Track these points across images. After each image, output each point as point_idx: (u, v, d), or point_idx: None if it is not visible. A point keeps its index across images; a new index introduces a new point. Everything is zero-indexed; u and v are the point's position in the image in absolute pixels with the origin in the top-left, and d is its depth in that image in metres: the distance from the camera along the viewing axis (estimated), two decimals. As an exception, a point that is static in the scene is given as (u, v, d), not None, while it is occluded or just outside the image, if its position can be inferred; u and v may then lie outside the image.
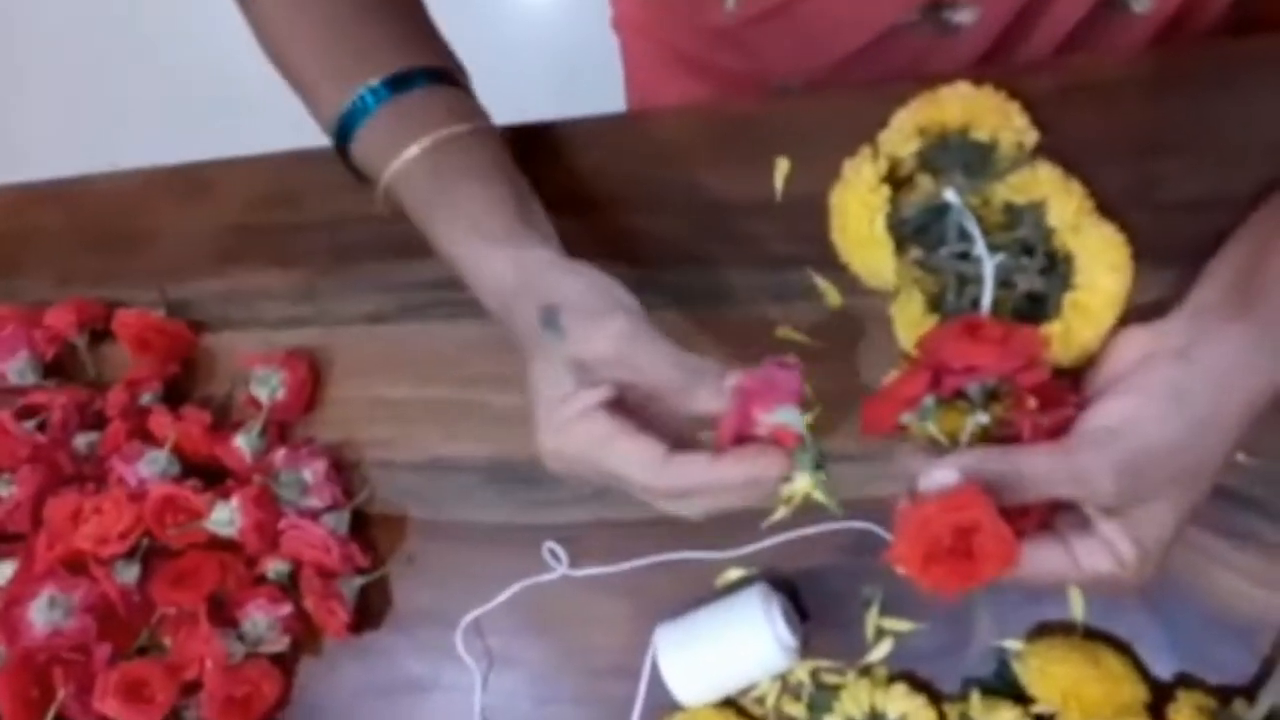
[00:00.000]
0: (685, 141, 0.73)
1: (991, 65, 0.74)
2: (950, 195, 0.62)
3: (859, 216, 0.63)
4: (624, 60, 0.94)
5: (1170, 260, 0.61)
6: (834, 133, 0.68)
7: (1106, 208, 0.63)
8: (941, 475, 0.50)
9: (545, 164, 0.76)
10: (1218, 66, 0.66)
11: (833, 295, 0.68)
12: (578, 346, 0.53)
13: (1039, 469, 0.50)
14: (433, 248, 0.61)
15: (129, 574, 0.73)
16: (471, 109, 0.65)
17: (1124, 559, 0.50)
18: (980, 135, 0.64)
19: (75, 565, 0.73)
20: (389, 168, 0.61)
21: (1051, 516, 0.54)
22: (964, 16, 0.71)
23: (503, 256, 0.56)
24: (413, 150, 0.60)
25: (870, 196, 0.63)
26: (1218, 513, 0.62)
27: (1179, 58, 0.68)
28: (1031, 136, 0.64)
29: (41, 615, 0.71)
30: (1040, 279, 0.61)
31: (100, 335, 0.82)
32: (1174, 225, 0.63)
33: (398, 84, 0.62)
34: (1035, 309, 0.61)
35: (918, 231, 0.64)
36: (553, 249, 0.58)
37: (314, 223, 0.80)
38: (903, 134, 0.65)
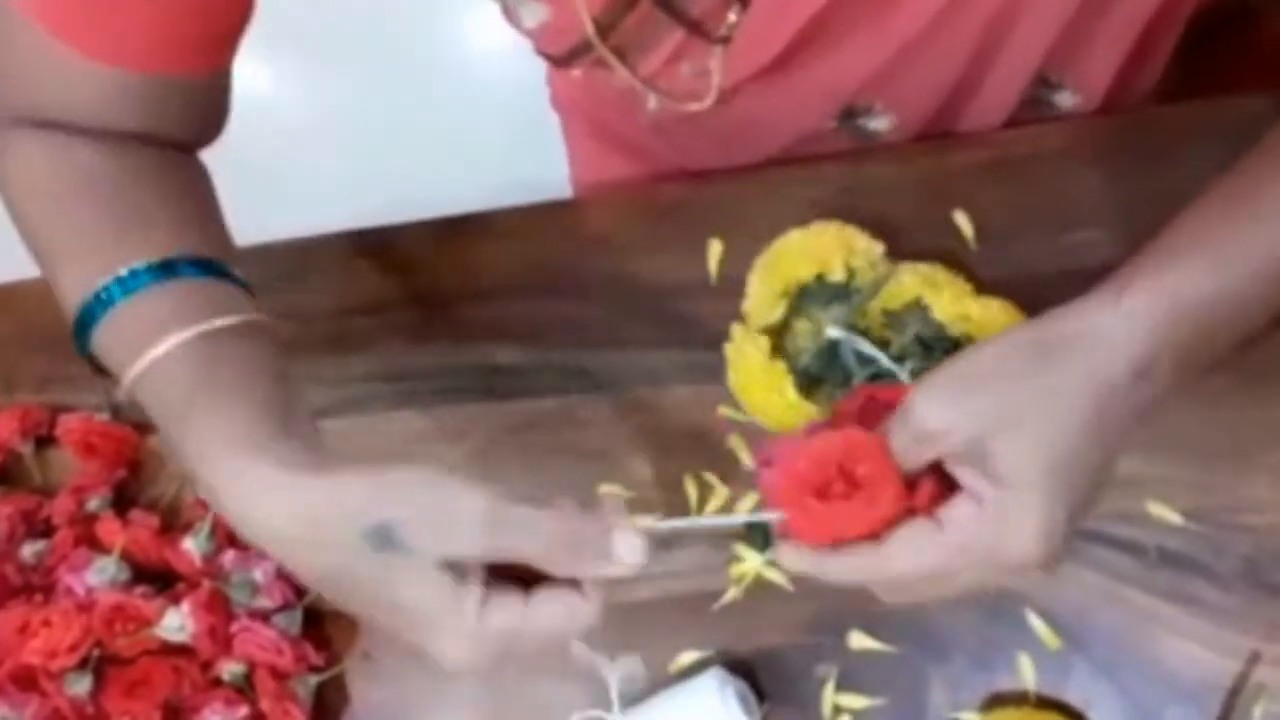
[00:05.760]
0: (618, 227, 0.74)
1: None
2: (834, 332, 0.64)
3: (765, 392, 0.64)
4: (565, 138, 0.94)
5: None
6: (765, 213, 0.69)
7: (1028, 279, 0.64)
8: None
9: (478, 253, 0.77)
10: (1138, 137, 0.67)
11: (772, 373, 0.69)
12: (439, 552, 0.46)
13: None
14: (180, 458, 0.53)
15: (81, 686, 0.71)
16: (238, 303, 0.57)
17: (980, 494, 0.47)
18: (835, 275, 0.65)
19: (25, 680, 0.72)
20: (131, 370, 0.53)
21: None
22: (879, 124, 0.72)
23: (287, 485, 0.48)
24: (159, 349, 0.53)
25: (769, 375, 0.64)
26: (1166, 578, 0.62)
27: (1096, 129, 0.69)
28: (877, 250, 0.66)
29: (-8, 734, 0.70)
30: None
31: (45, 441, 0.82)
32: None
33: (154, 273, 0.56)
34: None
35: (822, 373, 0.65)
36: (316, 455, 0.51)
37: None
38: (766, 304, 0.66)
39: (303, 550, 0.49)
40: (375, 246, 0.72)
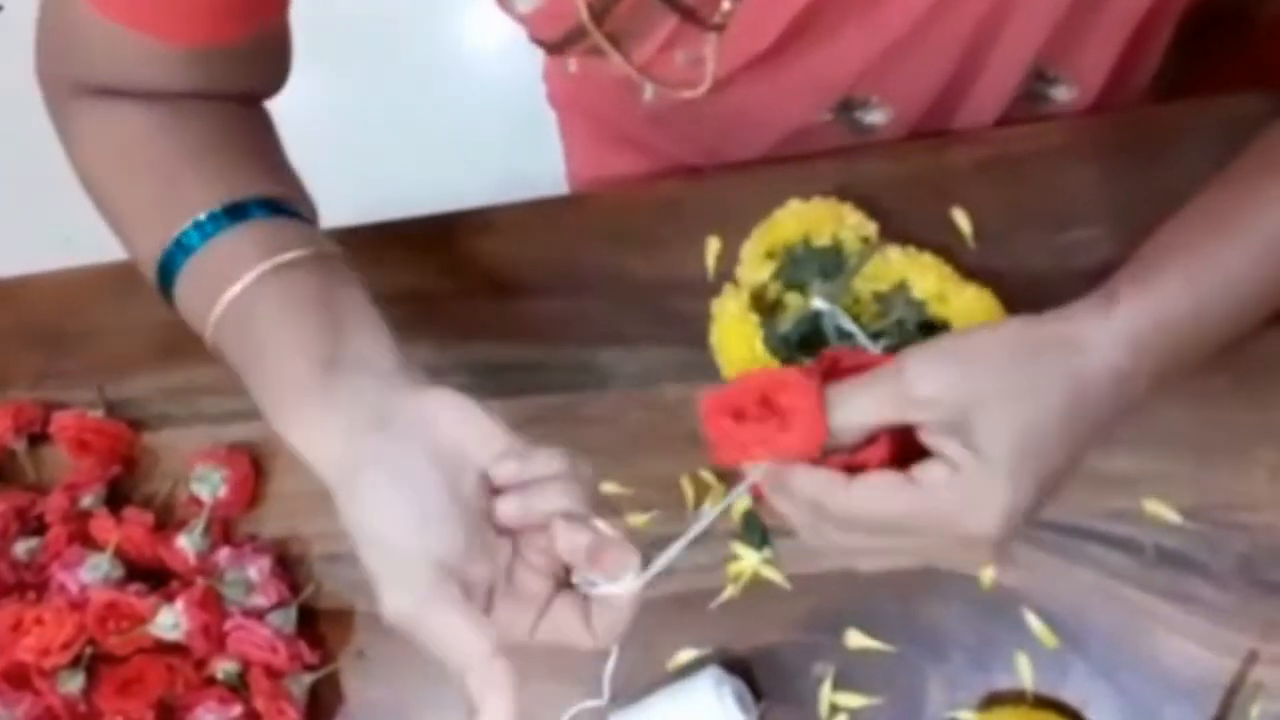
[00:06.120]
0: (616, 223, 0.74)
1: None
2: (818, 302, 0.64)
3: (738, 347, 0.65)
4: (561, 135, 0.94)
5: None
6: (762, 210, 0.68)
7: (1024, 276, 0.64)
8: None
9: (476, 249, 0.77)
10: (1133, 134, 0.67)
11: (769, 370, 0.69)
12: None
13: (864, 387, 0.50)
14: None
15: (73, 684, 0.71)
16: (301, 237, 0.56)
17: (956, 461, 0.48)
18: (822, 240, 0.66)
19: (18, 678, 0.71)
20: (208, 323, 0.54)
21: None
22: (875, 117, 0.72)
23: (326, 441, 0.50)
24: (222, 304, 0.53)
25: (742, 325, 0.65)
26: (1163, 577, 0.62)
27: (1093, 128, 0.69)
28: (870, 228, 0.67)
29: (-16, 732, 0.70)
30: None
31: (39, 437, 0.81)
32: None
33: (223, 218, 0.55)
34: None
35: (802, 344, 0.65)
36: (369, 393, 0.50)
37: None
38: (753, 262, 0.67)
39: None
40: (373, 242, 0.71)
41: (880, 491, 0.49)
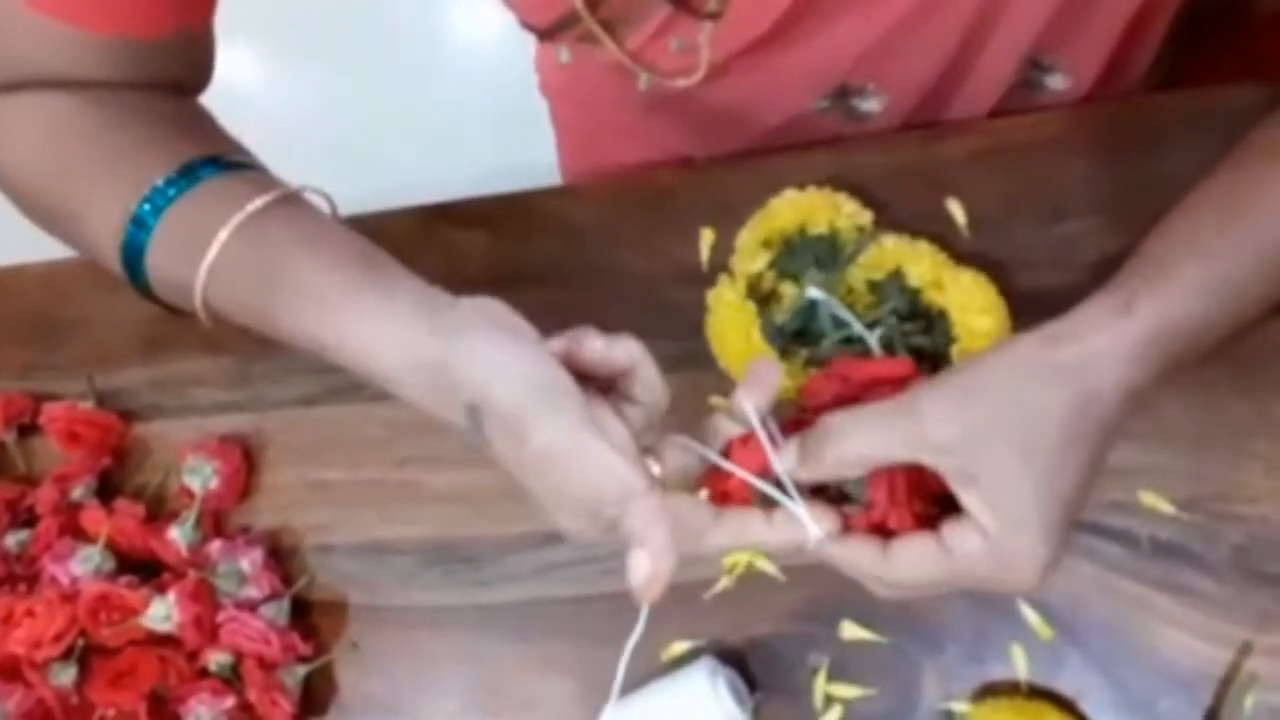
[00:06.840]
0: (608, 215, 0.74)
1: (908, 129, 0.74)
2: (813, 291, 0.64)
3: (735, 337, 0.65)
4: (553, 125, 0.94)
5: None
6: (757, 200, 0.68)
7: (1020, 268, 0.64)
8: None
9: (466, 240, 0.76)
10: (1129, 125, 0.67)
11: (763, 362, 0.69)
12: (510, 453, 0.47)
13: (878, 423, 0.50)
14: (280, 335, 0.53)
15: (65, 676, 0.71)
16: (271, 183, 0.56)
17: (986, 529, 0.48)
18: (818, 229, 0.66)
19: (9, 671, 0.71)
20: (199, 269, 0.52)
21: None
22: (871, 104, 0.72)
23: (401, 336, 0.49)
24: (221, 236, 0.52)
25: (739, 315, 0.65)
26: (1158, 568, 0.62)
27: (1089, 118, 0.69)
28: (866, 216, 0.67)
29: (-25, 725, 0.69)
30: (925, 339, 0.63)
31: (29, 429, 0.81)
32: (1088, 285, 0.63)
33: (176, 183, 0.54)
34: (934, 367, 0.63)
35: (797, 335, 0.65)
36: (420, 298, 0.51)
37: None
38: (749, 252, 0.67)
39: (421, 395, 0.49)
40: (364, 234, 0.71)
41: (918, 562, 0.49)
